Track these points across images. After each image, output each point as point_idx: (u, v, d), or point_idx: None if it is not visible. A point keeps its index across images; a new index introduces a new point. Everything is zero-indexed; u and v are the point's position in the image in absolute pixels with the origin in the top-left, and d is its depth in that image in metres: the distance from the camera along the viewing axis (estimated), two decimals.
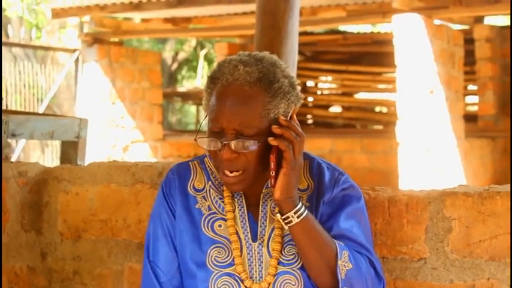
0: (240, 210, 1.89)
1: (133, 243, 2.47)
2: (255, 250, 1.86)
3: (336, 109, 12.38)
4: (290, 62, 3.47)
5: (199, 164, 1.95)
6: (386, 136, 9.62)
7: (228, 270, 1.84)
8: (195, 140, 1.81)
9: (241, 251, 1.86)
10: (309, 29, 9.97)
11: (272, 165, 1.77)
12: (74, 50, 9.86)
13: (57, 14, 9.32)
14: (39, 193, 2.60)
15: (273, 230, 1.87)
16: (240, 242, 1.86)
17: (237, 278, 1.84)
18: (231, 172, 1.80)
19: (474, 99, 10.65)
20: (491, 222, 2.03)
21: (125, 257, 2.48)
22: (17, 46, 9.81)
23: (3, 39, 9.86)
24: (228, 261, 1.85)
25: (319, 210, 1.88)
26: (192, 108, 19.71)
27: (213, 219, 1.88)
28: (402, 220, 2.12)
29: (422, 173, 7.93)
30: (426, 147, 8.02)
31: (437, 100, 8.21)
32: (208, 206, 1.90)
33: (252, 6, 8.70)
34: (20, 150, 9.30)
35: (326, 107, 12.13)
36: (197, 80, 19.57)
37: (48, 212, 2.59)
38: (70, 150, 3.53)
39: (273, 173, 1.78)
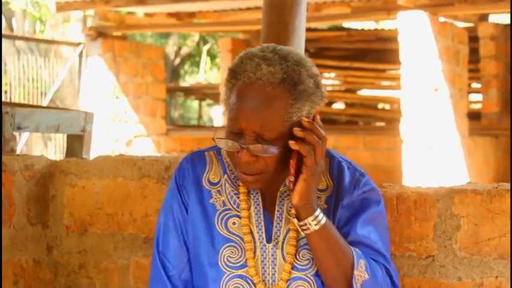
0: (256, 208, 1.81)
1: (139, 237, 2.46)
2: (269, 252, 1.79)
3: (339, 106, 12.37)
4: None
5: (215, 155, 1.86)
6: (389, 133, 9.61)
7: (240, 272, 1.77)
8: (213, 139, 1.73)
9: (254, 252, 1.78)
10: (313, 25, 9.95)
11: (292, 170, 1.69)
12: (78, 44, 9.85)
13: (62, 7, 9.31)
14: (46, 186, 2.59)
15: (288, 231, 1.80)
16: (254, 243, 1.79)
17: (249, 281, 1.77)
18: (248, 174, 1.73)
19: (478, 97, 10.64)
20: (500, 220, 2.03)
21: (131, 251, 2.48)
22: (21, 39, 9.80)
23: (7, 32, 9.85)
24: (241, 262, 1.77)
25: (337, 214, 1.80)
26: (194, 103, 19.71)
27: (227, 216, 1.80)
28: (410, 217, 2.11)
29: (426, 171, 7.92)
30: (430, 144, 8.01)
31: (442, 98, 8.20)
32: (223, 202, 1.82)
33: (257, 2, 8.69)
34: (23, 143, 9.29)
35: (329, 103, 12.11)
36: (200, 75, 19.56)
37: (55, 206, 2.59)
38: (75, 143, 3.52)
39: (292, 179, 1.70)
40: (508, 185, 2.07)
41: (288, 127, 1.67)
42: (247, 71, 1.68)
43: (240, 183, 1.80)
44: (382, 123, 11.84)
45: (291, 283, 1.77)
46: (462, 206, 2.06)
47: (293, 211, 1.76)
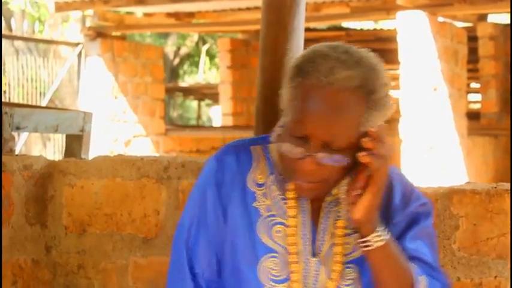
0: (303, 217, 1.64)
1: (138, 237, 2.46)
2: (312, 267, 1.63)
3: None
4: None
5: (262, 151, 1.66)
6: (388, 133, 9.60)
7: (281, 286, 1.61)
8: (271, 142, 1.58)
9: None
10: (312, 25, 9.95)
11: (361, 184, 1.54)
12: (77, 44, 9.85)
13: (61, 7, 9.31)
14: (44, 186, 2.59)
15: (331, 246, 1.63)
16: (298, 256, 1.62)
17: None
18: (306, 182, 1.55)
19: (477, 97, 10.65)
20: (498, 220, 2.03)
21: (130, 251, 2.48)
22: (20, 39, 9.80)
23: (6, 32, 9.85)
24: (283, 276, 1.61)
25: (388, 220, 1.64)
26: (193, 103, 19.71)
27: (271, 223, 1.63)
28: None
29: (425, 170, 7.92)
30: (429, 144, 8.02)
31: (441, 97, 8.21)
32: (268, 207, 1.63)
33: (256, 2, 8.69)
34: (22, 143, 9.29)
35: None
36: (199, 75, 19.56)
37: (53, 206, 2.59)
38: (74, 143, 3.52)
39: (358, 192, 1.54)
40: (507, 185, 2.07)
41: (357, 137, 1.52)
42: (320, 72, 1.50)
43: (289, 187, 1.62)
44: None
45: None
46: (461, 205, 2.06)
47: (338, 224, 1.63)
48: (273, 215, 1.63)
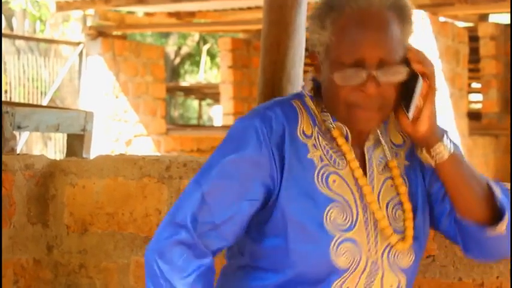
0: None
1: (139, 237, 2.46)
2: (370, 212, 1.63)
3: None
4: (297, 57, 3.46)
5: (302, 105, 1.66)
6: None
7: (349, 234, 1.59)
8: (332, 74, 1.56)
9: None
10: None
11: (423, 91, 1.59)
12: (78, 43, 9.86)
13: (62, 7, 9.31)
14: (46, 186, 2.59)
15: (381, 189, 1.65)
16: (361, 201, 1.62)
17: (359, 245, 1.60)
18: (368, 109, 1.57)
19: (478, 97, 10.65)
20: None
21: (131, 250, 2.48)
22: (21, 39, 9.81)
23: (7, 31, 9.85)
24: (348, 224, 1.59)
25: (426, 168, 1.69)
26: (194, 103, 19.71)
27: (327, 173, 1.61)
28: None
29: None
30: None
31: (442, 97, 8.21)
32: (320, 157, 1.62)
33: (257, 1, 8.69)
34: (23, 143, 9.30)
35: None
36: (200, 75, 19.57)
37: (55, 205, 2.59)
38: (75, 143, 3.52)
39: (420, 102, 1.59)
40: (508, 185, 2.07)
41: (403, 52, 1.58)
42: (356, 0, 1.57)
43: (336, 135, 1.63)
44: None
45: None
46: None
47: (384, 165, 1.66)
48: (326, 165, 1.62)
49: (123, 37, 10.20)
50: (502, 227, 1.64)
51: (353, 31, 1.56)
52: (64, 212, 2.58)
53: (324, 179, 1.60)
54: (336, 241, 1.57)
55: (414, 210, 1.66)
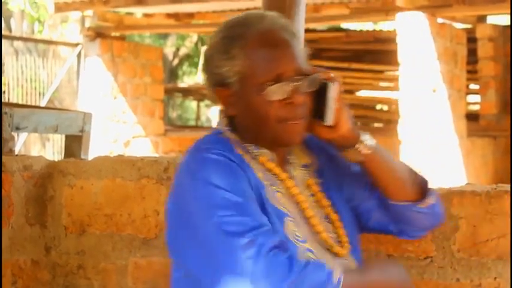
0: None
1: (138, 238, 2.46)
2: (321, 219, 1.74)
3: None
4: None
5: (219, 141, 1.72)
6: (387, 134, 9.61)
7: (307, 246, 1.65)
8: (264, 93, 1.64)
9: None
10: (311, 26, 9.96)
11: (336, 93, 1.69)
12: (76, 44, 9.85)
13: (60, 8, 9.30)
14: (44, 187, 2.59)
15: (311, 195, 1.76)
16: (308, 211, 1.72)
17: (317, 254, 1.67)
18: (298, 120, 1.67)
19: (476, 98, 10.65)
20: (498, 221, 2.03)
21: (130, 252, 2.48)
22: (19, 40, 9.80)
23: (6, 32, 9.85)
24: (303, 237, 1.66)
25: (338, 178, 1.81)
26: (192, 104, 19.70)
27: (273, 190, 1.69)
28: None
29: (424, 171, 7.92)
30: (428, 145, 8.02)
31: (440, 99, 8.21)
32: (263, 177, 1.69)
33: (255, 3, 8.69)
34: (21, 144, 9.29)
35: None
36: (198, 76, 19.56)
37: (53, 206, 2.59)
38: (74, 144, 3.52)
39: (336, 105, 1.69)
40: (507, 186, 2.07)
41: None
42: (255, 24, 1.67)
43: (263, 160, 1.70)
44: (380, 125, 11.84)
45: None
46: (461, 207, 2.06)
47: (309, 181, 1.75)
48: (270, 184, 1.69)
49: (122, 38, 10.19)
50: (430, 199, 1.80)
51: (265, 51, 1.65)
52: (62, 213, 2.58)
53: (274, 195, 1.68)
54: (300, 251, 1.63)
55: (340, 220, 1.76)
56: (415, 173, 1.83)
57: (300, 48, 1.70)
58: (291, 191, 1.70)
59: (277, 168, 1.71)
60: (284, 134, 1.67)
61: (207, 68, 1.73)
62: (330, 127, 1.71)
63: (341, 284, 1.53)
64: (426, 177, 1.84)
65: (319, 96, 1.69)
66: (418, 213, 1.80)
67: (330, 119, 1.70)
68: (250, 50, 1.66)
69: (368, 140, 1.75)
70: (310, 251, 1.66)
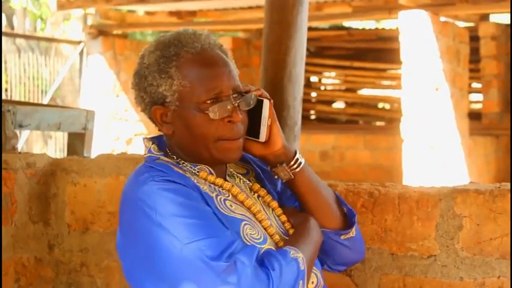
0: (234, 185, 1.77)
1: None
2: (271, 219, 1.78)
3: (339, 105, 12.37)
4: (298, 57, 3.46)
5: (158, 167, 1.68)
6: (389, 132, 9.61)
7: (265, 246, 1.67)
8: (205, 113, 1.64)
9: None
10: (313, 24, 9.95)
11: (270, 111, 1.72)
12: (79, 42, 9.85)
13: (62, 5, 9.30)
14: (47, 184, 2.59)
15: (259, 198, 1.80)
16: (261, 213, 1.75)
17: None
18: (237, 138, 1.69)
19: (478, 97, 10.64)
20: (502, 220, 2.03)
21: None
22: (21, 37, 9.80)
23: (8, 30, 9.85)
24: (262, 238, 1.69)
25: (274, 179, 1.83)
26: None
27: (223, 199, 1.69)
28: (412, 217, 2.11)
29: (426, 170, 7.92)
30: (430, 144, 8.01)
31: (442, 97, 8.20)
32: (209, 189, 1.69)
33: (258, 1, 8.69)
34: (24, 141, 9.29)
35: (329, 102, 12.11)
36: None
37: (56, 204, 2.59)
38: (77, 142, 3.53)
39: (269, 122, 1.72)
40: (508, 185, 2.07)
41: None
42: (189, 43, 1.68)
43: (203, 176, 1.71)
44: (382, 123, 11.84)
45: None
46: (464, 205, 2.06)
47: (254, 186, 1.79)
48: (217, 194, 1.69)
49: (124, 36, 10.18)
50: (352, 232, 1.81)
51: (203, 71, 1.66)
52: (65, 211, 2.58)
53: (224, 205, 1.68)
54: (259, 253, 1.60)
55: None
56: (341, 202, 1.84)
57: (234, 66, 1.72)
58: (239, 197, 1.72)
59: (219, 180, 1.72)
60: (224, 152, 1.69)
61: (141, 87, 1.72)
62: (263, 144, 1.74)
63: (306, 264, 1.61)
64: (352, 210, 1.84)
65: (252, 113, 1.72)
66: (339, 244, 1.80)
67: (263, 135, 1.73)
68: (187, 69, 1.67)
69: (299, 158, 1.76)
70: (270, 250, 1.66)
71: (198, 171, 1.71)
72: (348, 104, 12.08)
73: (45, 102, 9.30)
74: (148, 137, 1.80)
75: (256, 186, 1.80)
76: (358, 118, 11.89)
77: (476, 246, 2.05)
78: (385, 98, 12.08)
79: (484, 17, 9.74)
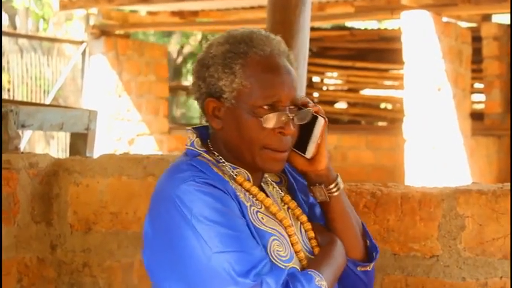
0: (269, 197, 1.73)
1: None
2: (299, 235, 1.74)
3: (341, 105, 12.37)
4: (301, 57, 3.46)
5: (203, 159, 1.68)
6: (391, 133, 9.61)
7: (291, 265, 1.64)
8: (259, 118, 1.61)
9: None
10: (316, 24, 9.94)
11: (322, 129, 1.70)
12: (81, 42, 9.86)
13: (65, 5, 9.30)
14: (50, 184, 2.59)
15: (289, 210, 1.76)
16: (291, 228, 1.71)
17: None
18: (283, 151, 1.66)
19: (481, 97, 10.63)
20: (504, 221, 2.03)
21: (135, 249, 2.48)
22: (23, 37, 9.81)
23: (11, 30, 9.86)
24: (288, 256, 1.66)
25: (308, 192, 1.79)
26: (196, 103, 19.68)
27: (255, 211, 1.67)
28: (415, 217, 2.11)
29: (428, 170, 7.92)
30: (433, 144, 8.01)
31: (444, 98, 8.20)
32: (244, 198, 1.67)
33: (260, 1, 8.68)
34: (26, 142, 9.30)
35: (332, 102, 12.11)
36: None
37: (58, 204, 2.59)
38: (79, 142, 3.53)
39: (319, 141, 1.70)
40: (508, 185, 2.07)
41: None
42: (260, 45, 1.65)
43: (240, 180, 1.68)
44: (384, 123, 11.83)
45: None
46: (467, 206, 2.06)
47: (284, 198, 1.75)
48: (251, 205, 1.66)
49: (126, 36, 10.19)
50: (369, 266, 1.78)
51: (266, 75, 1.63)
52: (68, 211, 2.58)
53: (256, 217, 1.65)
54: (285, 277, 1.56)
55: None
56: (367, 234, 1.81)
57: (296, 78, 1.68)
58: (271, 209, 1.68)
59: (254, 188, 1.68)
60: (267, 161, 1.66)
61: (200, 75, 1.68)
62: (307, 160, 1.72)
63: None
64: (375, 245, 1.81)
65: (304, 128, 1.70)
66: (354, 274, 1.76)
67: (311, 152, 1.71)
68: (252, 70, 1.64)
69: (339, 182, 1.74)
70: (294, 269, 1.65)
71: (236, 175, 1.68)
72: (350, 104, 12.08)
73: (47, 102, 9.31)
74: (192, 127, 1.75)
75: (287, 197, 1.77)
76: (360, 118, 11.89)
77: (478, 246, 2.05)
78: (387, 98, 12.08)
79: (487, 18, 9.73)
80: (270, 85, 1.63)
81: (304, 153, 1.71)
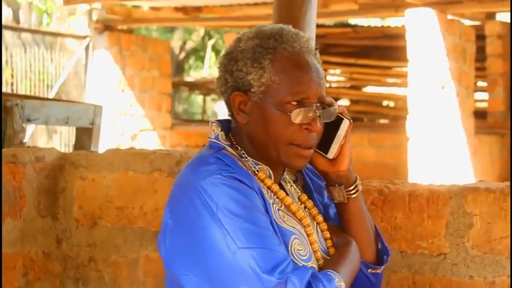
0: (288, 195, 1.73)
1: (149, 231, 2.46)
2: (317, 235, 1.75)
3: (344, 102, 12.36)
4: None
5: (227, 153, 1.68)
6: (394, 130, 9.60)
7: (309, 264, 1.65)
8: (287, 114, 1.61)
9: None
10: (319, 21, 9.92)
11: (347, 131, 1.72)
12: (84, 37, 9.85)
13: (68, 0, 9.29)
14: (56, 179, 2.59)
15: (307, 211, 1.76)
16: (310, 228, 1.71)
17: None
18: (309, 147, 1.66)
19: (484, 95, 10.62)
20: None
21: (141, 245, 2.48)
22: (27, 32, 9.79)
23: (14, 24, 9.85)
24: (308, 255, 1.67)
25: (324, 192, 1.80)
26: (198, 98, 19.70)
27: (277, 208, 1.67)
28: (422, 214, 2.11)
29: (432, 168, 7.91)
30: (436, 142, 8.00)
31: (448, 96, 8.19)
32: (267, 194, 1.67)
33: None
34: (29, 136, 9.29)
35: (334, 100, 12.08)
36: (204, 70, 19.56)
37: (64, 198, 2.59)
38: (84, 136, 3.52)
39: (343, 142, 1.71)
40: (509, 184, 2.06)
41: None
42: (289, 41, 1.66)
43: (262, 177, 1.67)
44: (387, 121, 11.82)
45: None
46: (475, 204, 2.06)
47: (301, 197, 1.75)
48: (273, 202, 1.66)
49: (130, 31, 10.18)
50: (380, 269, 1.79)
51: (295, 72, 1.63)
52: (74, 205, 2.58)
53: (278, 214, 1.65)
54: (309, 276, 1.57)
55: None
56: (379, 237, 1.82)
57: (323, 76, 1.68)
58: (291, 207, 1.69)
59: (275, 186, 1.68)
60: (292, 157, 1.65)
61: (227, 69, 1.67)
62: (329, 160, 1.73)
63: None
64: (387, 249, 1.82)
65: (327, 128, 1.70)
66: (364, 276, 1.76)
67: (333, 153, 1.72)
68: (281, 65, 1.64)
69: (358, 184, 1.76)
70: (313, 270, 1.64)
71: (257, 171, 1.68)
72: (352, 101, 12.07)
73: (50, 97, 9.30)
74: (217, 120, 1.73)
75: (304, 197, 1.77)
76: (362, 116, 11.88)
77: (486, 244, 2.04)
78: (390, 96, 12.07)
79: (491, 16, 9.72)
80: (299, 82, 1.63)
81: (326, 154, 1.72)
